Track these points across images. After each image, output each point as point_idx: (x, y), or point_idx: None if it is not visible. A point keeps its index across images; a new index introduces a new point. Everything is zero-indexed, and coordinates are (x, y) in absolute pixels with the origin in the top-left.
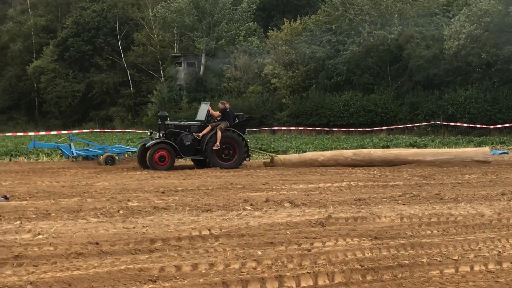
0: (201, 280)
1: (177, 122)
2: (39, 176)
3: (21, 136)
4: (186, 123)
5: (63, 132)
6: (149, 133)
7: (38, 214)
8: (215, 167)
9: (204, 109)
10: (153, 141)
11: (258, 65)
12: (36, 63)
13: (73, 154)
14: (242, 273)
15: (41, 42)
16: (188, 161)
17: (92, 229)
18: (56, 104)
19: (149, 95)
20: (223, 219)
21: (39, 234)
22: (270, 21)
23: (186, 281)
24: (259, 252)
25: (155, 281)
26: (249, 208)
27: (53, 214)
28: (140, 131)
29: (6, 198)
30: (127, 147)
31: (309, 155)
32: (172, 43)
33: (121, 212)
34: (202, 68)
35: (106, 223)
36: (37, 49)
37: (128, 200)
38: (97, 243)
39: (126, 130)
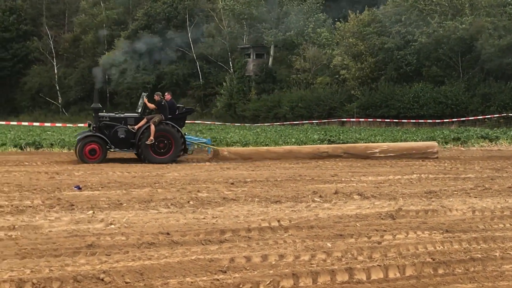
0: (271, 271)
1: (112, 114)
2: (110, 167)
3: None
4: (122, 115)
5: None
6: (88, 125)
7: (110, 204)
8: (150, 162)
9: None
10: (83, 134)
11: (327, 56)
12: (108, 55)
13: None
14: (312, 265)
15: (113, 34)
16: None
17: (163, 219)
18: (127, 96)
19: (218, 86)
20: (292, 210)
21: (111, 223)
22: (339, 12)
23: (256, 272)
24: (329, 244)
25: (225, 272)
26: (318, 200)
27: (125, 204)
28: (209, 122)
29: (79, 188)
30: (197, 138)
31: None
32: (241, 34)
33: (191, 202)
34: (270, 59)
35: (177, 214)
36: (108, 41)
37: (198, 191)
38: (168, 233)
39: (196, 122)
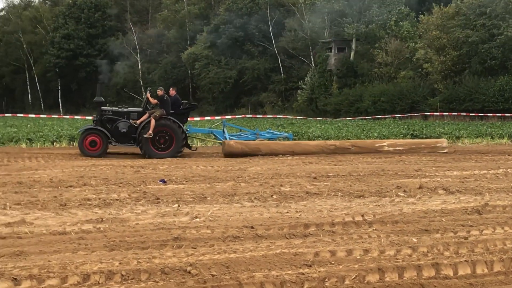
0: (356, 266)
1: (115, 108)
2: (194, 161)
3: None
4: (125, 109)
5: (216, 117)
6: (92, 118)
7: (195, 198)
8: (150, 157)
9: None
10: (84, 127)
11: (409, 49)
12: (190, 50)
13: (226, 139)
14: (398, 260)
15: (195, 29)
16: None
17: (246, 213)
18: (209, 90)
19: (300, 82)
20: (376, 205)
21: (196, 217)
22: (422, 5)
23: (341, 267)
24: (414, 239)
25: (310, 266)
26: (402, 194)
27: (209, 198)
28: (291, 117)
29: (164, 181)
30: (279, 133)
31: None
32: (322, 28)
33: (274, 196)
34: (352, 53)
35: (260, 208)
36: (191, 36)
37: (281, 185)
38: (252, 227)
39: (277, 116)
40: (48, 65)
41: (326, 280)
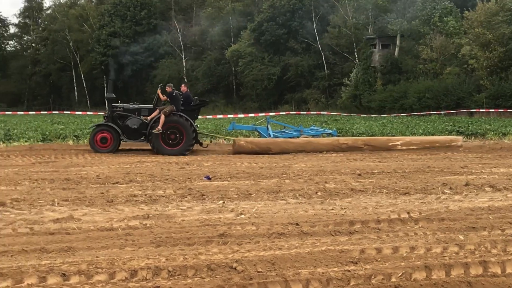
0: (402, 263)
1: (126, 104)
2: (238, 158)
3: (220, 118)
4: (136, 106)
5: (260, 114)
6: (103, 115)
7: (240, 194)
8: (160, 153)
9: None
10: (96, 124)
11: (455, 45)
12: (234, 47)
13: (270, 136)
14: (444, 258)
15: (239, 26)
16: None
17: (291, 209)
18: (253, 87)
19: (344, 79)
20: (421, 202)
21: (241, 213)
22: (467, 0)
23: (387, 264)
24: (461, 237)
25: (356, 263)
26: (448, 191)
27: (254, 195)
28: (335, 113)
29: (208, 178)
30: (323, 129)
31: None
32: (366, 25)
33: (319, 193)
34: (397, 49)
35: (305, 204)
36: (234, 33)
37: (325, 182)
38: (297, 224)
39: (321, 113)
40: (94, 63)
41: (372, 277)
